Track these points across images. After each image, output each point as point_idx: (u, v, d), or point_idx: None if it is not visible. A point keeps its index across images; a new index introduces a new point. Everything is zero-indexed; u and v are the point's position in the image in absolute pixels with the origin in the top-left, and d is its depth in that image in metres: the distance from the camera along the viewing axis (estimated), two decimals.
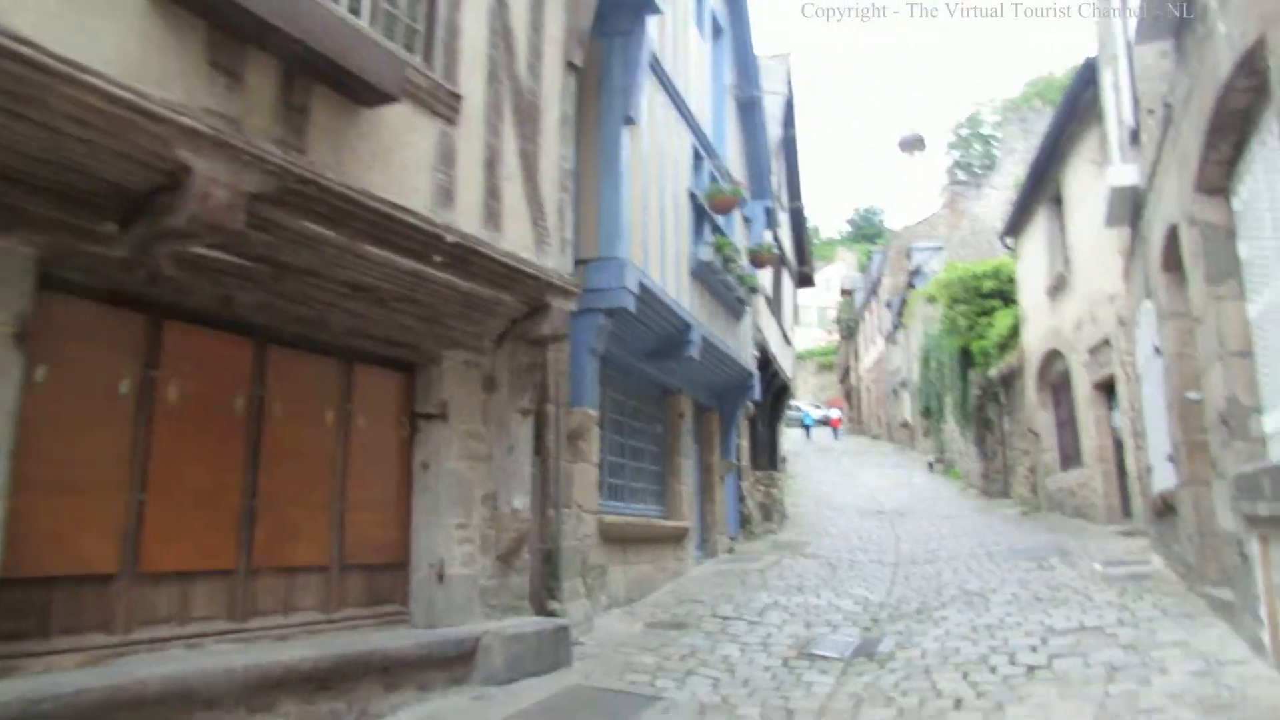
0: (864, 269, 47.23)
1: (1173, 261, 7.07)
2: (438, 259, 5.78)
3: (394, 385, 6.48)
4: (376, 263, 5.48)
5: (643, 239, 8.70)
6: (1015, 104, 30.50)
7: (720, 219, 11.42)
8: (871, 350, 42.73)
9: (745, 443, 14.89)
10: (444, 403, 6.51)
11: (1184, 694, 4.58)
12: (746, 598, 9.17)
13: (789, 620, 8.14)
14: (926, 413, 27.73)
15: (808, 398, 56.10)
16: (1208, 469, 6.89)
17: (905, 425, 34.85)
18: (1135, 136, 8.04)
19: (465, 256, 5.96)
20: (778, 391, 19.63)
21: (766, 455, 19.41)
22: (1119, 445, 12.26)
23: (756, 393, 13.11)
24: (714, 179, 10.90)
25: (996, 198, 27.58)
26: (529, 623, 6.56)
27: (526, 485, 7.02)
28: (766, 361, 16.83)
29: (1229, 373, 5.24)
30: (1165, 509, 8.31)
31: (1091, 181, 12.03)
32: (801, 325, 61.97)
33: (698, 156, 10.76)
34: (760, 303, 15.42)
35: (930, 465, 27.02)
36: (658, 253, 9.13)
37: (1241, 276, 5.27)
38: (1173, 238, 6.68)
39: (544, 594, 7.41)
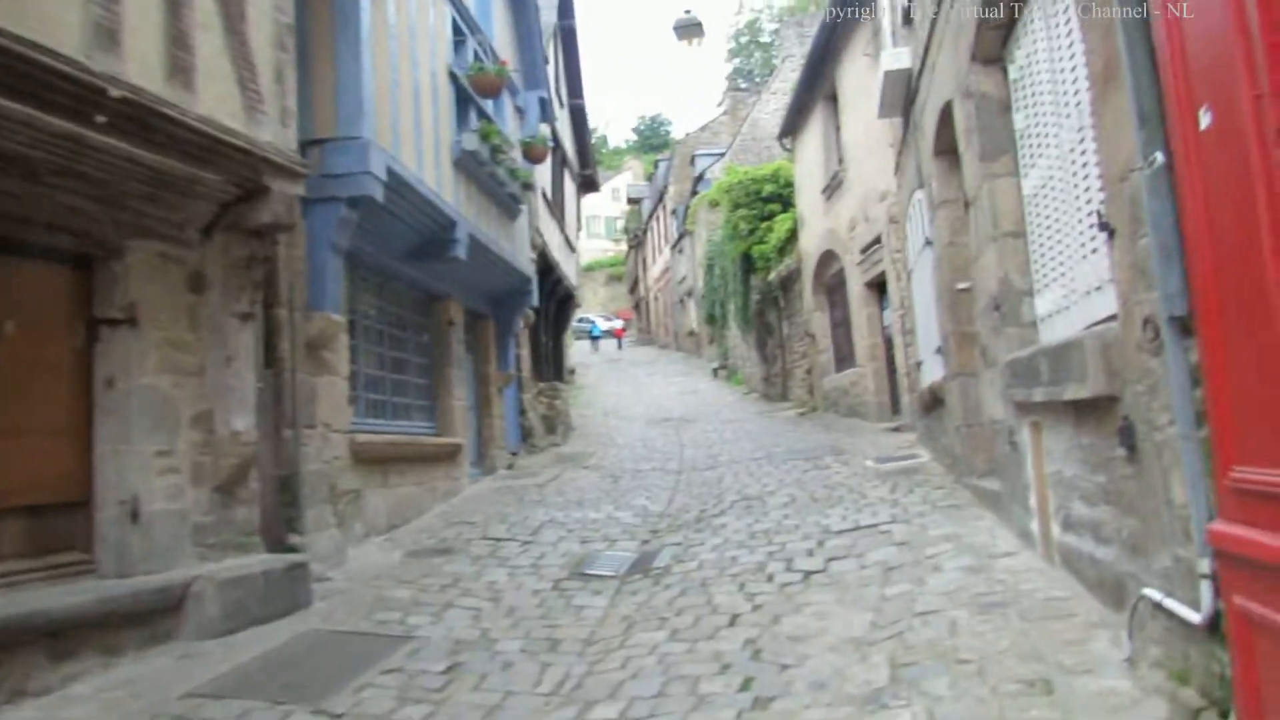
0: (651, 178, 47.07)
1: (946, 144, 6.86)
2: (101, 119, 4.54)
3: (63, 283, 5.17)
4: (16, 121, 4.18)
5: (393, 121, 7.57)
6: (793, 9, 30.62)
7: (489, 106, 10.36)
8: (659, 260, 42.94)
9: (526, 353, 14.16)
10: (132, 305, 5.27)
11: (958, 592, 4.37)
12: (522, 516, 8.56)
13: (565, 538, 7.60)
14: (710, 320, 28.10)
15: (597, 309, 56.19)
16: (976, 360, 6.85)
17: (692, 334, 35.41)
18: (908, 16, 7.75)
19: (143, 119, 4.74)
20: (561, 300, 18.99)
21: (551, 366, 18.83)
22: (890, 343, 12.56)
23: (535, 299, 12.35)
24: (478, 59, 9.79)
25: (776, 103, 27.79)
26: (255, 562, 5.60)
27: (251, 403, 5.94)
28: (548, 268, 16.06)
29: (1002, 255, 5.01)
30: (933, 402, 8.39)
31: (866, 76, 11.90)
32: (590, 236, 61.79)
33: (459, 33, 9.60)
34: (539, 204, 14.53)
35: (715, 372, 27.54)
36: (412, 138, 8.03)
37: (1016, 152, 5.00)
38: (946, 118, 6.44)
39: (281, 527, 6.42)
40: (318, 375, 6.97)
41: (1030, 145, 4.77)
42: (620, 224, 60.91)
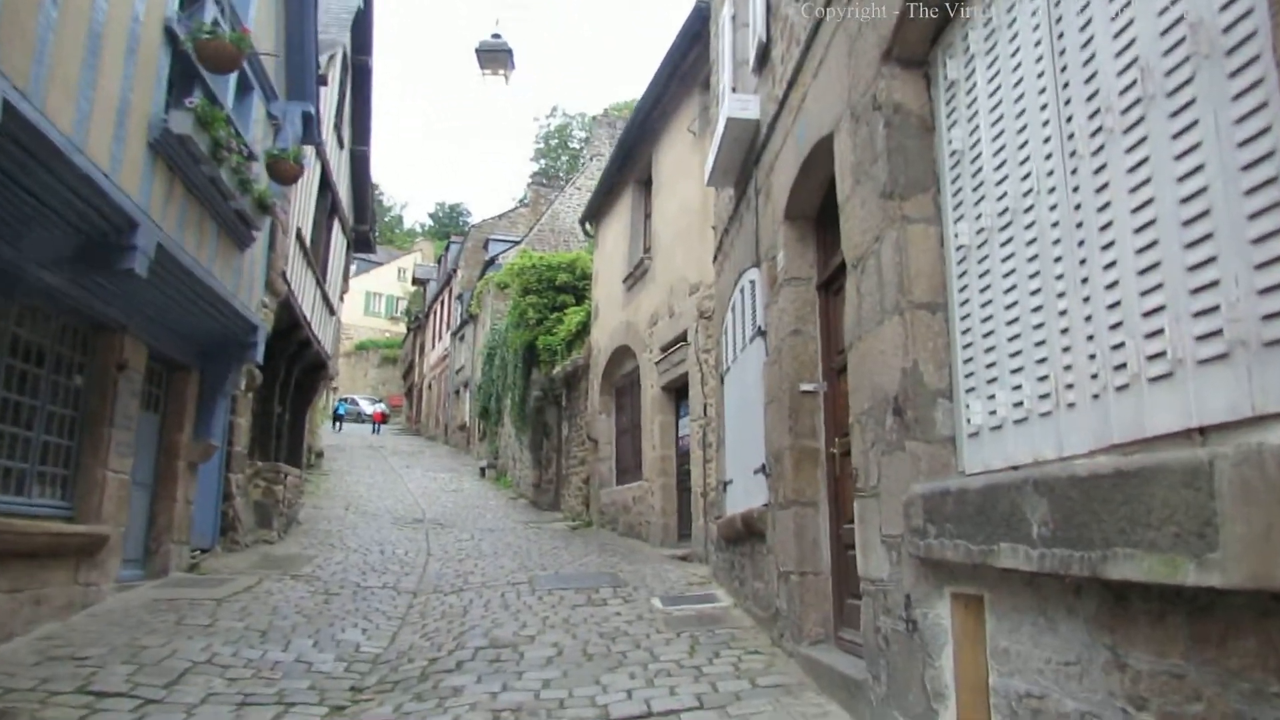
0: (440, 260, 44.74)
1: (804, 204, 5.35)
2: None
3: None
4: None
5: (37, 50, 5.11)
6: (608, 113, 30.11)
7: (226, 94, 7.99)
8: (438, 346, 40.30)
9: (244, 422, 11.32)
10: None
11: None
12: (167, 651, 5.89)
13: (215, 695, 5.06)
14: (484, 414, 25.80)
15: (367, 391, 52.41)
16: (814, 485, 5.18)
17: (463, 428, 32.83)
18: (763, 56, 6.32)
19: None
20: (310, 367, 16.13)
21: (284, 444, 15.79)
22: (684, 457, 10.92)
23: (259, 354, 9.72)
24: (216, 25, 7.44)
25: (580, 198, 26.72)
26: None
27: None
28: (295, 324, 13.36)
29: (911, 335, 3.34)
30: (744, 534, 6.66)
31: (688, 154, 10.61)
32: (369, 314, 58.36)
33: None
34: (290, 245, 12.00)
35: (483, 471, 25.16)
36: (75, 90, 5.56)
37: (943, 187, 3.41)
38: (814, 164, 4.92)
39: None
40: None
41: (968, 176, 3.19)
42: (403, 305, 57.75)
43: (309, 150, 12.72)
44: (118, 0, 6.04)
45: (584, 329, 16.11)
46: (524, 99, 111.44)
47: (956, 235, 3.26)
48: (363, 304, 58.64)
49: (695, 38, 9.90)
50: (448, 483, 23.17)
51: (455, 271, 36.77)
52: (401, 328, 55.14)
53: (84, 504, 7.26)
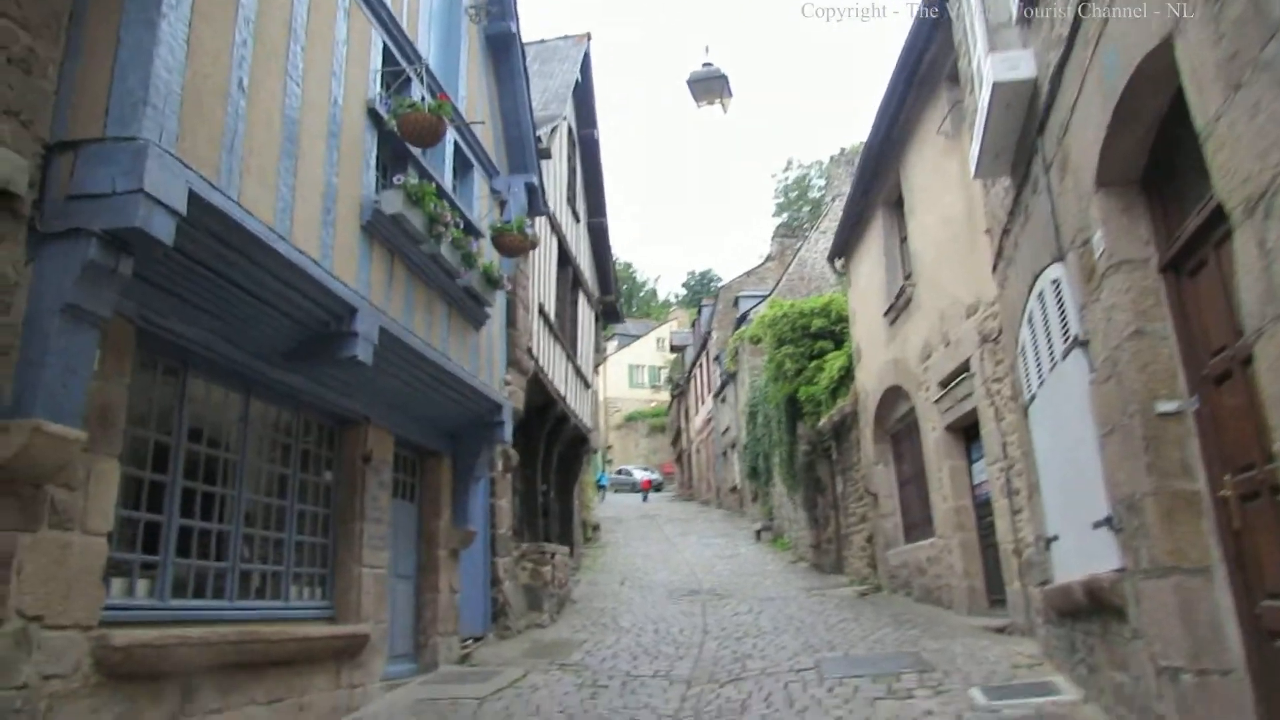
0: (694, 325, 44.83)
1: (1125, 161, 3.92)
2: None
3: None
4: None
5: (229, 139, 4.90)
6: (845, 152, 28.75)
7: (449, 183, 7.83)
8: (701, 410, 40.02)
9: (506, 504, 11.08)
10: None
11: None
12: None
13: None
14: (754, 474, 24.76)
15: (639, 461, 53.25)
16: (1200, 544, 3.65)
17: (735, 490, 31.99)
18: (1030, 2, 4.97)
19: None
20: (571, 442, 16.00)
21: (554, 523, 15.67)
22: (984, 507, 9.26)
23: (507, 432, 9.38)
24: (421, 99, 7.23)
25: (825, 242, 25.39)
26: None
27: None
28: (548, 401, 13.21)
29: None
30: (1089, 608, 5.08)
31: (941, 160, 9.21)
32: (634, 385, 59.72)
33: (390, 60, 7.10)
34: (534, 321, 11.83)
35: (758, 534, 24.02)
36: (273, 177, 5.35)
37: None
38: (1130, 104, 3.53)
39: None
40: (27, 530, 4.02)
41: None
42: (665, 374, 58.58)
43: (542, 225, 12.64)
44: (313, 84, 5.84)
45: (847, 374, 14.74)
46: (760, 158, 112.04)
47: None
48: (626, 377, 60.23)
49: (932, 27, 8.58)
50: (723, 549, 22.26)
51: (710, 334, 36.50)
52: (665, 396, 55.78)
53: (342, 602, 7.05)
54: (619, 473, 49.10)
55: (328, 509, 7.13)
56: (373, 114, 6.66)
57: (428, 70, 7.60)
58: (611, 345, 61.72)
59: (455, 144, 8.43)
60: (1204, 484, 3.73)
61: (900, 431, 12.06)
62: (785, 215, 59.74)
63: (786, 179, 60.86)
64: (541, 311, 12.35)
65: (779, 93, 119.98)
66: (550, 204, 12.99)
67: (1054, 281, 5.05)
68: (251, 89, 5.15)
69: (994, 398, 8.14)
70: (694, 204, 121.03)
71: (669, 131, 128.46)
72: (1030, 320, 5.80)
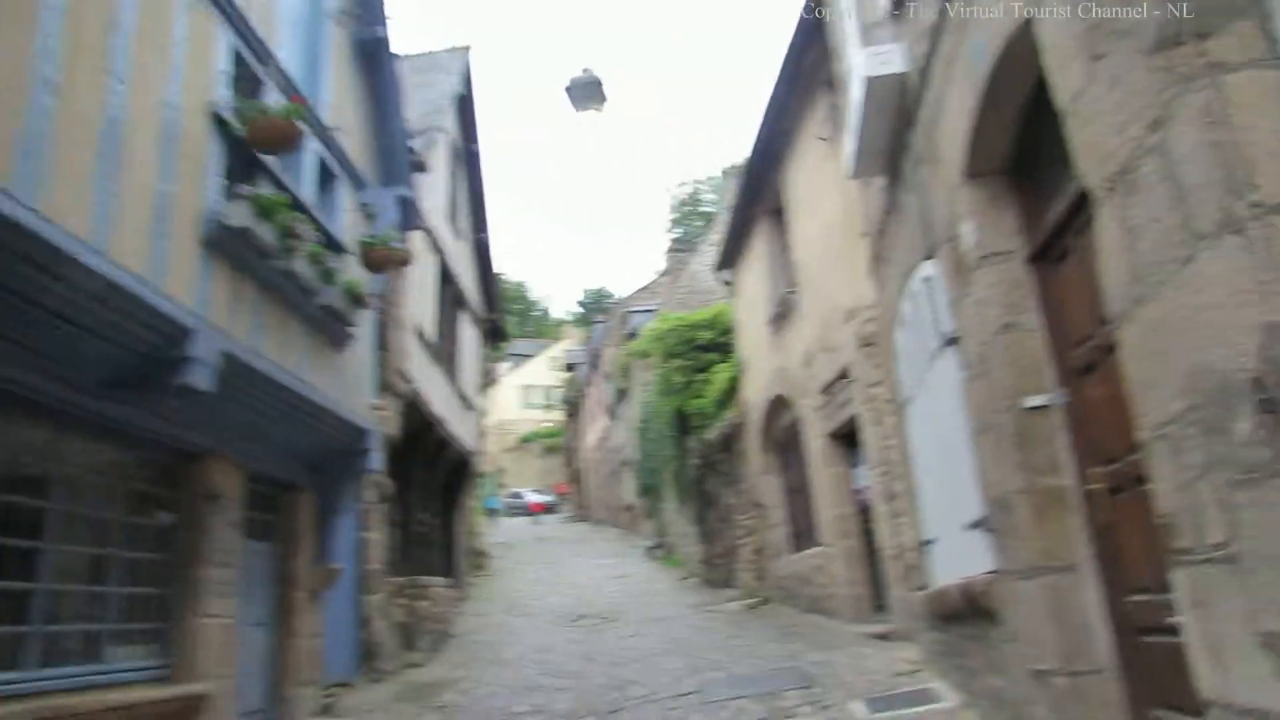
0: (588, 343, 44.54)
1: (992, 150, 3.84)
2: None
3: None
4: None
5: (34, 141, 4.34)
6: (736, 166, 29.06)
7: (313, 195, 7.33)
8: (595, 428, 39.68)
9: (377, 538, 10.47)
10: None
11: None
12: None
13: None
14: (646, 491, 24.60)
15: (534, 482, 52.46)
16: (1069, 541, 3.55)
17: (629, 508, 31.72)
18: None
19: None
20: (454, 468, 15.43)
21: (440, 553, 15.05)
22: (867, 513, 9.24)
23: (376, 460, 8.85)
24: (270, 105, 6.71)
25: (716, 253, 25.55)
26: None
27: None
28: (425, 425, 12.66)
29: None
30: (965, 612, 4.99)
31: (821, 165, 9.22)
32: (528, 406, 58.93)
33: (242, 64, 6.59)
34: (408, 342, 11.31)
35: (649, 552, 23.81)
36: (91, 185, 4.79)
37: (1273, 6, 1.89)
38: (997, 90, 3.44)
39: None
40: None
41: None
42: (559, 394, 58.02)
43: (420, 241, 12.14)
44: (142, 85, 5.30)
45: (734, 386, 14.71)
46: (656, 175, 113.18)
47: None
48: (520, 398, 59.46)
49: (812, 29, 8.57)
50: (614, 569, 21.92)
51: (602, 351, 36.24)
52: (559, 416, 55.25)
53: (179, 660, 6.36)
54: (512, 496, 48.27)
55: (162, 555, 6.47)
56: (217, 119, 6.12)
57: (283, 74, 7.10)
58: (504, 366, 60.89)
59: (318, 154, 7.93)
60: (1072, 479, 3.65)
61: (786, 441, 12.03)
62: (679, 231, 60.30)
63: (681, 195, 61.33)
64: (419, 332, 11.83)
65: (676, 108, 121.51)
66: (429, 219, 12.51)
67: (926, 279, 4.97)
68: (63, 87, 4.61)
69: (873, 402, 8.12)
70: (589, 222, 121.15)
71: (562, 149, 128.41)
72: (904, 321, 5.73)
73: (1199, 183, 2.00)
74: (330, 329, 7.81)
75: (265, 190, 6.24)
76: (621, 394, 31.04)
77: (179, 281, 5.53)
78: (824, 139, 8.98)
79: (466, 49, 15.11)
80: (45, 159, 4.41)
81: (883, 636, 8.35)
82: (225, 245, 6.06)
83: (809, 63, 9.04)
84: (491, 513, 38.71)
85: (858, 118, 5.35)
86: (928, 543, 5.98)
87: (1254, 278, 1.84)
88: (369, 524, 10.25)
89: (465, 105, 15.17)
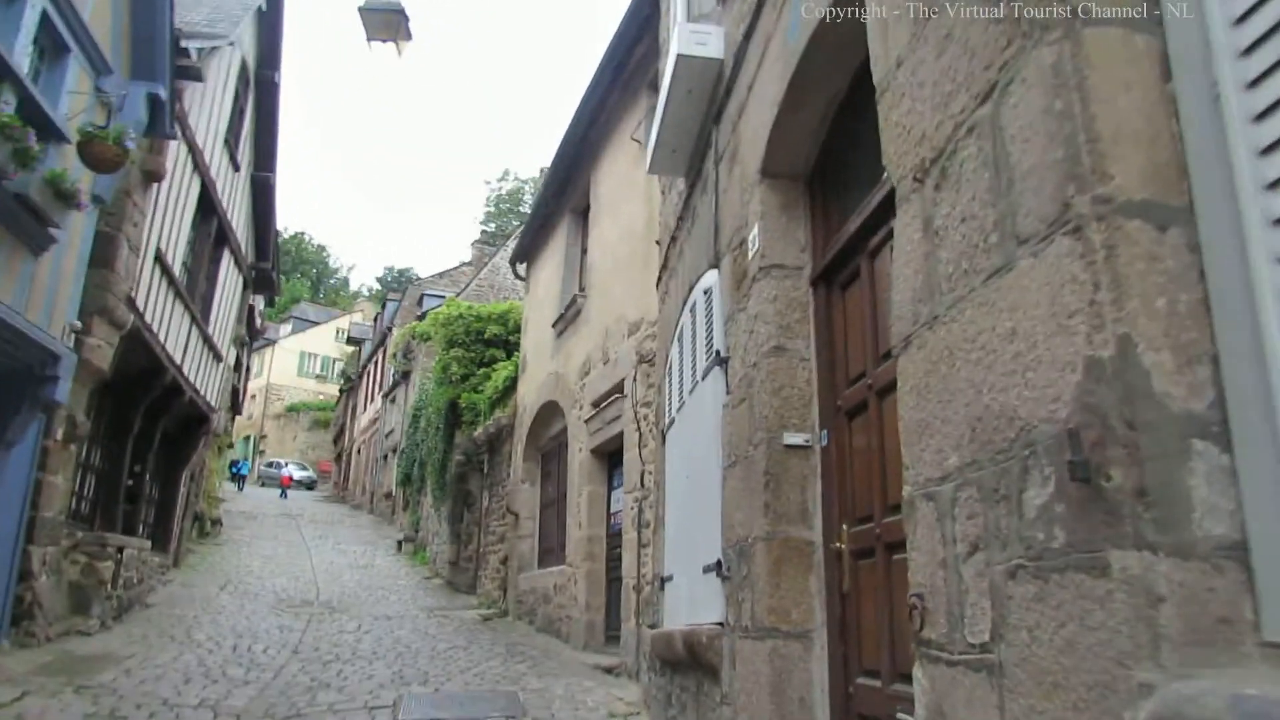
0: (377, 319, 42.36)
1: (794, 150, 3.38)
2: None
3: None
4: None
5: None
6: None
7: (38, 71, 5.98)
8: (369, 409, 37.62)
9: (59, 481, 8.88)
10: None
11: None
12: None
13: None
14: (407, 480, 23.30)
15: (295, 455, 49.28)
16: (805, 603, 3.10)
17: (389, 496, 30.13)
18: None
19: None
20: (186, 421, 13.70)
21: (151, 512, 13.28)
22: (617, 538, 8.76)
23: (61, 391, 7.42)
24: None
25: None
26: None
27: None
28: (157, 367, 11.06)
29: (1114, 272, 1.32)
30: (687, 661, 4.50)
31: (631, 169, 8.73)
32: (303, 374, 55.43)
33: None
34: (147, 270, 9.78)
35: (399, 544, 22.55)
36: None
37: None
38: (808, 76, 2.98)
39: None
40: None
41: None
42: (340, 367, 54.90)
43: (180, 158, 10.63)
44: None
45: (513, 385, 13.97)
46: (480, 165, 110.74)
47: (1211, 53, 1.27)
48: (296, 364, 55.99)
49: (644, 22, 8.08)
50: (358, 557, 20.55)
51: (390, 330, 34.43)
52: (334, 390, 52.25)
53: None
54: (270, 465, 45.17)
55: None
56: None
57: None
58: (285, 329, 56.99)
59: (43, 11, 6.53)
60: (819, 533, 3.20)
61: (552, 450, 11.42)
62: (494, 225, 58.89)
63: (500, 189, 60.06)
64: (161, 259, 10.29)
65: (510, 100, 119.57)
66: (195, 136, 10.99)
67: (706, 291, 4.48)
68: None
69: (640, 423, 7.64)
70: (403, 197, 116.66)
71: (389, 113, 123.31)
72: (679, 338, 5.24)
73: (1032, 166, 1.52)
74: (23, 225, 6.44)
75: None
76: (403, 378, 29.49)
77: None
78: (638, 140, 8.49)
79: None
80: None
81: (609, 670, 7.85)
82: None
83: (637, 57, 8.55)
84: (238, 479, 35.98)
85: (663, 104, 4.82)
86: (666, 579, 5.49)
87: (1085, 296, 1.36)
88: (51, 465, 8.66)
89: (270, 25, 13.64)
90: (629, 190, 8.84)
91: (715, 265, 4.36)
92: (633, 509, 7.72)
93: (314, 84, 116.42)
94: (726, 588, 3.80)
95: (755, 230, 3.57)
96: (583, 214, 10.89)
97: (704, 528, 4.34)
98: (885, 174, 2.40)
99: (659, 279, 6.59)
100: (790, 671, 3.06)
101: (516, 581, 11.88)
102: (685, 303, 5.14)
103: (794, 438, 3.31)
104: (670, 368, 5.64)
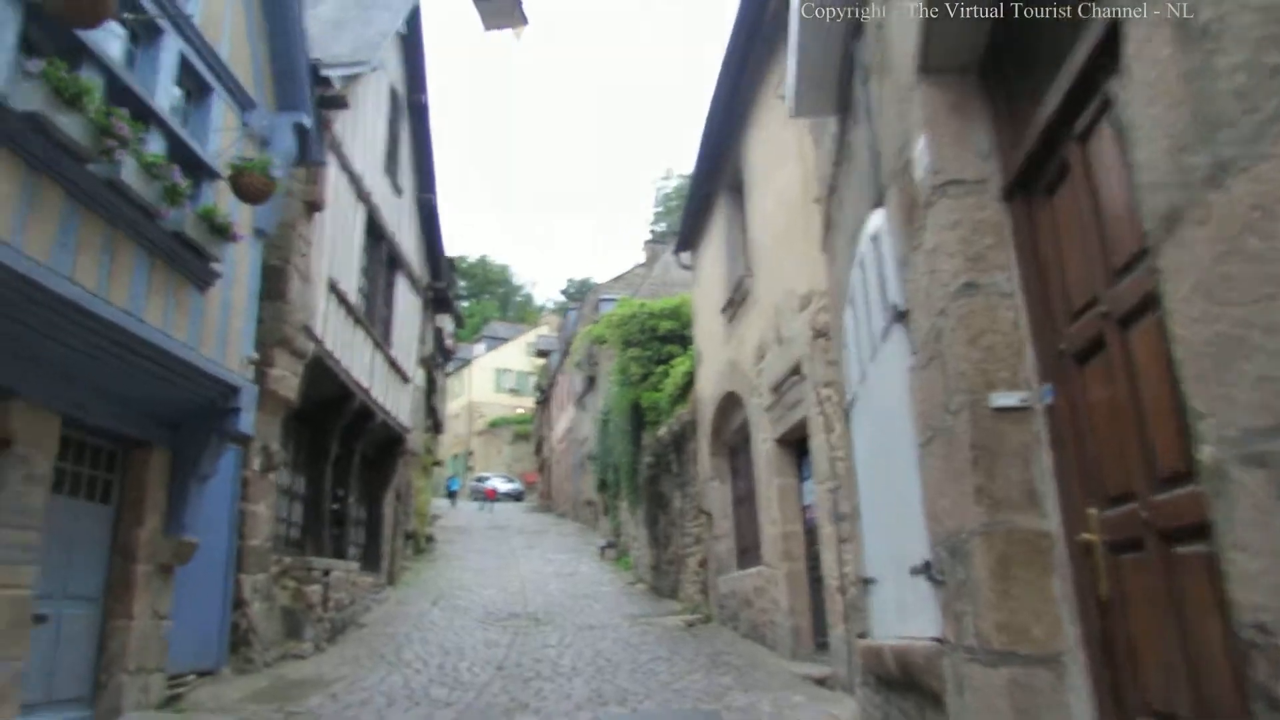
0: (561, 330, 43.29)
1: (961, 35, 2.60)
2: None
3: None
4: None
5: None
6: None
7: (186, 112, 6.12)
8: (563, 417, 38.40)
9: (264, 510, 9.17)
10: None
11: None
12: None
13: None
14: (604, 486, 23.34)
15: (500, 469, 51.20)
16: (1049, 614, 2.32)
17: (590, 503, 30.48)
18: None
19: None
20: (382, 444, 14.14)
21: (360, 534, 13.78)
22: (813, 533, 8.02)
23: (245, 422, 7.58)
24: None
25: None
26: None
27: None
28: (345, 393, 11.38)
29: None
30: (902, 681, 3.76)
31: (780, 131, 8.00)
32: (500, 390, 57.62)
33: None
34: (322, 298, 10.02)
35: (602, 551, 22.58)
36: None
37: None
38: None
39: None
40: None
41: None
42: (533, 380, 56.68)
43: (343, 188, 10.86)
44: None
45: (691, 380, 13.48)
46: (641, 165, 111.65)
47: None
48: (493, 381, 58.31)
49: None
50: (563, 565, 20.72)
51: (573, 338, 34.99)
52: (531, 402, 53.96)
53: None
54: (478, 480, 47.24)
55: None
56: None
57: None
58: (479, 348, 59.49)
59: (181, 54, 6.64)
60: (1057, 522, 2.42)
61: (737, 444, 10.81)
62: (664, 225, 58.96)
63: (665, 187, 60.06)
64: (335, 287, 10.53)
65: (660, 96, 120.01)
66: (354, 163, 11.23)
67: (873, 237, 3.73)
68: None
69: (824, 404, 6.89)
70: (575, 209, 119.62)
71: (558, 133, 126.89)
72: (852, 298, 4.49)
73: None
74: (186, 263, 6.53)
75: (63, 71, 4.92)
76: (589, 384, 29.78)
77: None
78: (782, 97, 7.73)
79: None
80: None
81: (820, 681, 7.15)
82: (9, 133, 4.78)
83: (770, 12, 7.79)
84: (452, 495, 37.68)
85: (796, 33, 4.09)
86: (869, 581, 4.75)
87: None
88: (253, 495, 8.98)
89: (412, 50, 13.86)
90: (780, 154, 8.10)
91: (879, 203, 3.61)
92: (827, 500, 6.98)
93: (460, 108, 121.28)
94: (940, 594, 3.06)
95: (921, 144, 2.82)
96: (737, 190, 10.23)
97: (905, 520, 3.60)
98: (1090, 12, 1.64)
99: (823, 239, 5.84)
100: (1039, 711, 2.30)
101: (716, 584, 11.35)
102: (852, 258, 4.39)
103: (1005, 398, 2.54)
104: (846, 335, 4.89)
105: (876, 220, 3.64)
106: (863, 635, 5.10)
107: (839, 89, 4.41)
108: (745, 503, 10.62)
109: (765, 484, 8.97)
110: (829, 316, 6.64)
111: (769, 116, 8.39)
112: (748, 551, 10.41)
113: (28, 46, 4.97)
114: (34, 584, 5.71)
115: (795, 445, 8.45)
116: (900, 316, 3.35)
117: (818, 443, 7.22)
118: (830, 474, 6.89)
